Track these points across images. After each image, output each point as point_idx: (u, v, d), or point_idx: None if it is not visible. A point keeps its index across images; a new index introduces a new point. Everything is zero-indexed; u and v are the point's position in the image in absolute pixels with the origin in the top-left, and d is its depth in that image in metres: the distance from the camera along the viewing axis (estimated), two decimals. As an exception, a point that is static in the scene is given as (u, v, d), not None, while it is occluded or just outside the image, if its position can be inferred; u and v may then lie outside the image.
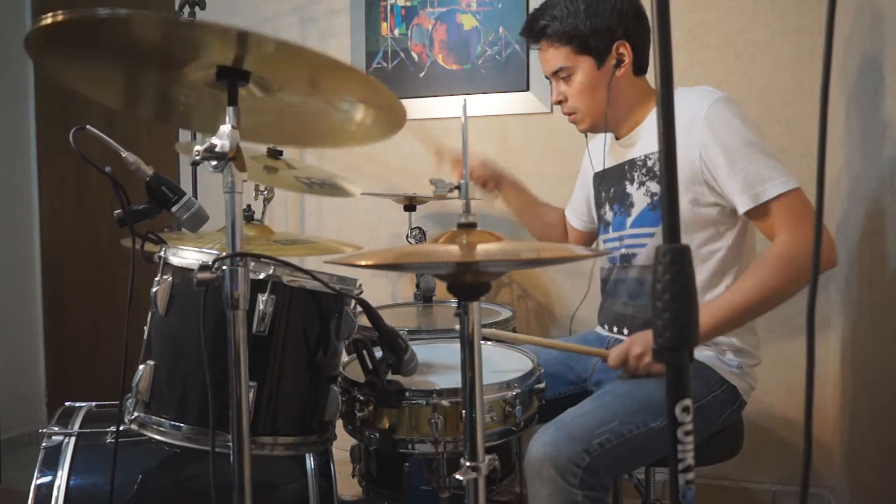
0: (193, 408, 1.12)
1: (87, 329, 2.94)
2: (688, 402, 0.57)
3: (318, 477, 1.31)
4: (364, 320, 1.19)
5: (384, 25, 2.43)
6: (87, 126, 1.04)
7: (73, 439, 1.26)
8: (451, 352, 1.47)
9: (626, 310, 1.44)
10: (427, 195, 2.01)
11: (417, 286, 2.05)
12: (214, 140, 0.91)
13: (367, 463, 1.63)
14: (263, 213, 1.99)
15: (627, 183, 1.44)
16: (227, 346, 0.93)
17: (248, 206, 1.77)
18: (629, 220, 1.43)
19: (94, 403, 1.38)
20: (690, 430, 0.57)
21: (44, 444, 1.26)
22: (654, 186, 1.38)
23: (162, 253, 1.16)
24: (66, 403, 1.38)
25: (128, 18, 0.79)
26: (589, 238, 1.77)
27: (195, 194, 2.36)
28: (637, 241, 1.42)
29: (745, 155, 1.23)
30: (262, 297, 1.08)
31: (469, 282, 0.89)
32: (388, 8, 2.43)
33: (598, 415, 1.20)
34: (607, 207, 1.52)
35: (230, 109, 0.92)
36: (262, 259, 1.09)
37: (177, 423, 1.11)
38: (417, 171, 2.40)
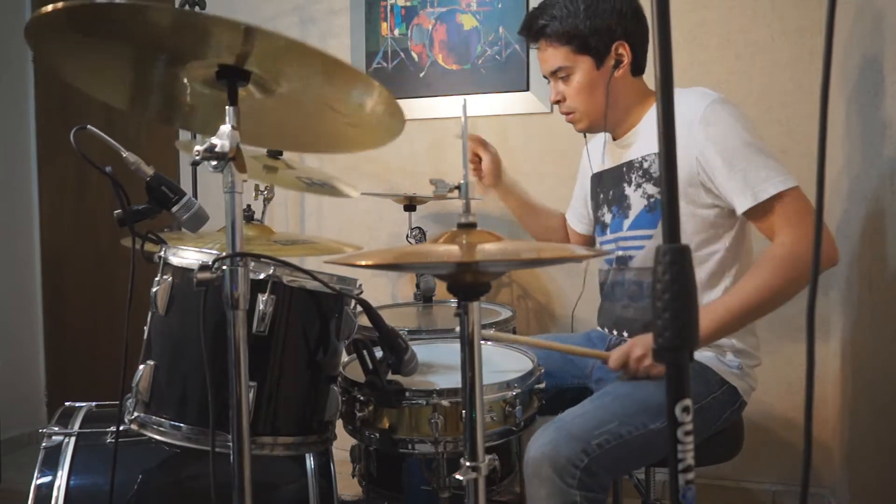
0: (193, 408, 1.12)
1: (87, 329, 2.94)
2: (688, 402, 0.57)
3: (318, 477, 1.31)
4: (364, 320, 1.19)
5: (384, 25, 2.43)
6: (88, 126, 1.04)
7: (73, 439, 1.26)
8: (451, 352, 1.47)
9: (627, 312, 1.43)
10: (427, 195, 2.01)
11: (417, 286, 2.05)
12: (214, 140, 0.91)
13: (367, 463, 1.63)
14: (263, 213, 2.00)
15: (626, 185, 1.44)
16: (227, 346, 0.93)
17: (248, 206, 1.78)
18: (626, 223, 1.43)
19: (94, 403, 1.38)
20: (690, 430, 0.57)
21: (44, 444, 1.26)
22: (651, 188, 1.38)
23: (162, 253, 1.16)
24: (66, 403, 1.38)
25: (130, 8, 0.78)
26: (591, 240, 1.76)
27: (195, 194, 2.36)
28: (634, 244, 1.41)
29: (744, 155, 1.23)
30: (262, 297, 1.08)
31: (469, 282, 0.89)
32: (388, 8, 2.43)
33: (598, 415, 1.20)
34: (606, 209, 1.51)
35: (230, 109, 0.93)
36: (262, 259, 1.08)
37: (177, 423, 1.11)
38: (417, 171, 2.41)
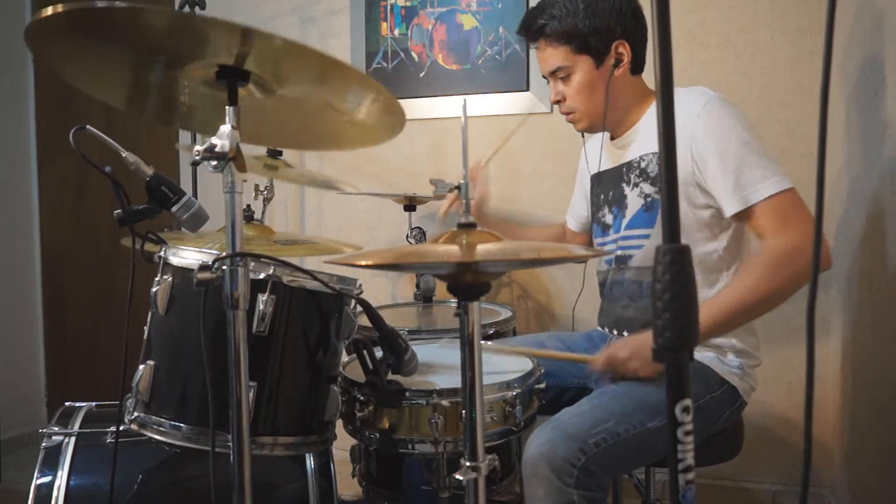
0: (193, 408, 1.12)
1: (87, 329, 2.94)
2: (688, 402, 0.57)
3: (318, 477, 1.31)
4: (364, 320, 1.19)
5: (384, 25, 2.43)
6: (88, 126, 1.04)
7: (73, 439, 1.26)
8: (451, 352, 1.47)
9: (627, 312, 1.43)
10: (427, 195, 2.01)
11: (417, 286, 2.05)
12: (214, 140, 0.91)
13: (367, 463, 1.63)
14: (263, 213, 2.00)
15: (625, 185, 1.44)
16: (227, 346, 0.94)
17: (248, 206, 1.78)
18: (624, 222, 1.43)
19: (94, 403, 1.38)
20: (690, 430, 0.57)
21: (44, 444, 1.26)
22: (648, 188, 1.38)
23: (162, 253, 1.16)
24: (66, 403, 1.38)
25: (129, 11, 0.78)
26: (591, 240, 1.76)
27: (195, 194, 2.35)
28: (632, 243, 1.41)
29: (740, 155, 1.22)
30: (262, 297, 1.08)
31: (469, 282, 0.89)
32: (388, 8, 2.43)
33: (595, 414, 1.20)
34: (606, 210, 1.51)
35: (230, 109, 0.93)
36: (262, 259, 1.09)
37: (177, 423, 1.11)
38: (417, 171, 2.40)
